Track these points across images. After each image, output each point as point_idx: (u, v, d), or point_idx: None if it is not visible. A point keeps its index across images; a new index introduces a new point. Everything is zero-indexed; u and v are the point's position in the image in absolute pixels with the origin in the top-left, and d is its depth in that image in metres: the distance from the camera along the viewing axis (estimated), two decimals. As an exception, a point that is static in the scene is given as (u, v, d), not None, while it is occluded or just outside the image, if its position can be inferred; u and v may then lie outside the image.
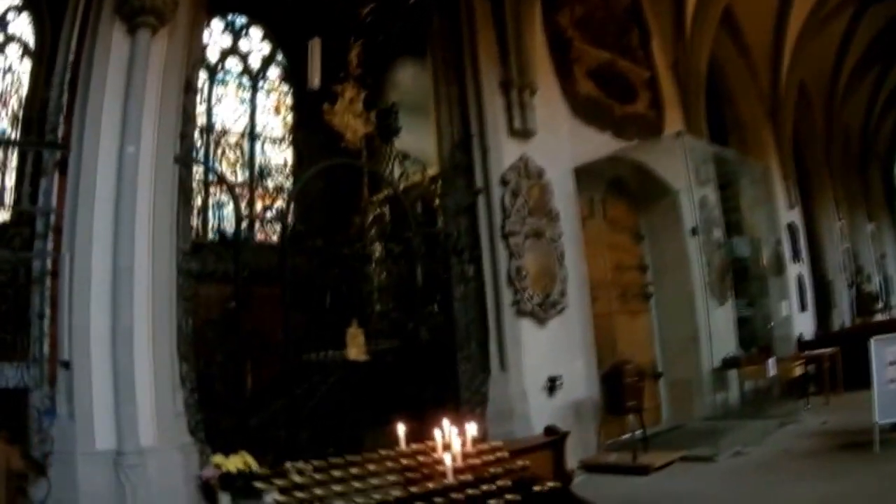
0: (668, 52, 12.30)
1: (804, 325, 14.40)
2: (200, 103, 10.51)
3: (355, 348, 7.76)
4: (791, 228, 15.01)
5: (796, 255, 14.88)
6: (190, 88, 7.12)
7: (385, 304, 9.11)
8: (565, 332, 9.31)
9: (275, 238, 11.17)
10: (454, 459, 6.11)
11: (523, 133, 9.36)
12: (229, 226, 9.76)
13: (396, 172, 8.85)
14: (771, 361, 10.58)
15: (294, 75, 11.95)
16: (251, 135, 11.37)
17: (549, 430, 6.78)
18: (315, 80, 8.45)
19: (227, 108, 11.57)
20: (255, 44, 12.19)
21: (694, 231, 10.65)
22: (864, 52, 16.37)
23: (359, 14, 10.07)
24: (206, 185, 10.53)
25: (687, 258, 11.16)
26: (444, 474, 6.01)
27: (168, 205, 6.49)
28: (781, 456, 8.36)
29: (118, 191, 6.06)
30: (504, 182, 9.03)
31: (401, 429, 6.62)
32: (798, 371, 11.01)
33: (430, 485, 5.95)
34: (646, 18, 12.24)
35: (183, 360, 6.50)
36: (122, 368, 5.83)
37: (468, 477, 6.16)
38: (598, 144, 10.34)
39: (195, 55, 7.43)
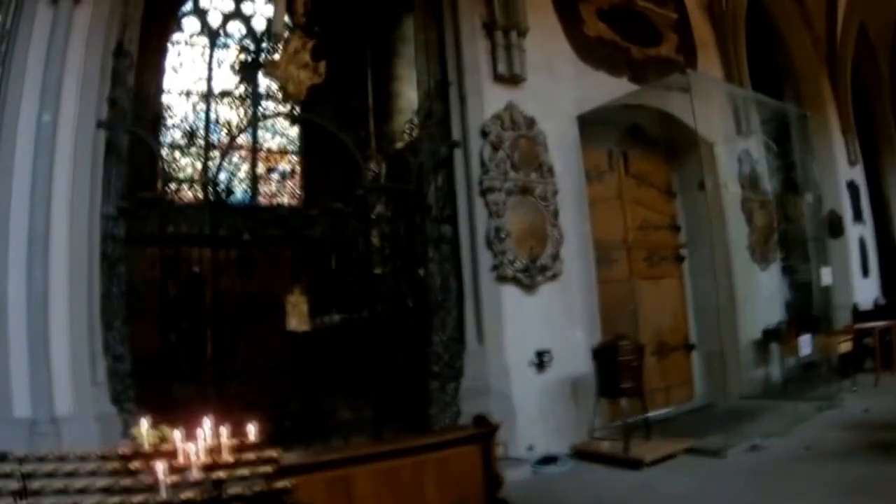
0: None
1: (867, 292, 12.96)
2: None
3: (296, 318, 7.29)
4: (852, 187, 13.52)
5: (858, 216, 13.41)
6: (121, 53, 7.07)
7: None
8: (560, 301, 8.50)
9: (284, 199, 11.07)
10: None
11: (510, 79, 8.59)
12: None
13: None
14: (804, 339, 9.34)
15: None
16: (254, 95, 10.94)
17: (479, 420, 5.89)
18: (279, 26, 8.00)
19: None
20: (260, 7, 11.72)
21: (701, 185, 9.60)
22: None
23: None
24: (207, 146, 10.27)
25: (724, 217, 10.18)
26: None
27: (87, 170, 6.53)
28: (801, 455, 7.14)
29: (34, 158, 6.19)
30: (484, 133, 8.26)
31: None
32: (845, 347, 9.65)
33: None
34: None
35: (106, 328, 6.51)
36: (35, 335, 5.92)
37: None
38: (612, 90, 9.36)
39: (131, 20, 7.35)
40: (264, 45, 11.46)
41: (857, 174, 13.86)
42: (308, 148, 11.53)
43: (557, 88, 9.02)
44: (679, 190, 10.60)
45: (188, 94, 11.25)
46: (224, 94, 10.68)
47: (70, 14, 6.53)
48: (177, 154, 9.38)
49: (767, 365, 9.90)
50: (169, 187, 7.42)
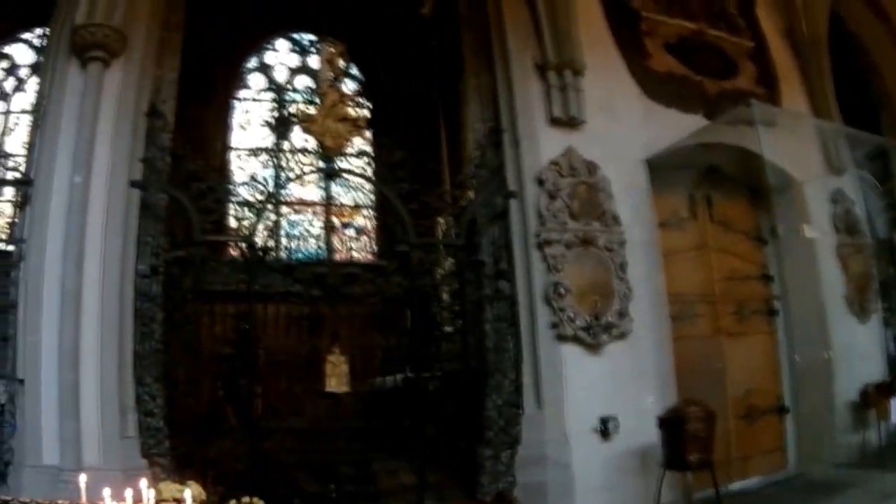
0: (780, 16, 10.46)
1: None
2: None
3: (335, 379, 7.06)
4: None
5: None
6: (154, 114, 7.36)
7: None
8: (628, 362, 7.89)
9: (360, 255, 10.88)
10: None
11: (567, 122, 8.16)
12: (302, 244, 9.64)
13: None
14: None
15: (370, 88, 11.49)
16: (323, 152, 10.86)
17: (501, 498, 5.25)
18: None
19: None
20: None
21: (773, 232, 9.20)
22: None
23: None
24: (277, 203, 10.24)
25: (816, 264, 9.37)
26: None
27: (119, 229, 6.78)
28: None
29: (68, 218, 6.49)
30: (540, 181, 7.82)
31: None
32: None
33: None
34: None
35: (139, 383, 6.75)
36: (66, 387, 6.18)
37: None
38: (685, 129, 8.72)
39: (165, 81, 7.68)
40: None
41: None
42: (382, 203, 11.27)
43: (622, 130, 8.49)
44: (769, 236, 9.76)
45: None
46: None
47: (100, 78, 6.88)
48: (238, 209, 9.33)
49: (866, 429, 8.92)
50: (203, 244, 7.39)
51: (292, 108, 10.87)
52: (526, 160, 7.99)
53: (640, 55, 8.97)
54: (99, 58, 6.86)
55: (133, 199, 7.00)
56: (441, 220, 8.89)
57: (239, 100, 11.33)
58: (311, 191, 10.89)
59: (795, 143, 9.26)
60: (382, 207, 11.41)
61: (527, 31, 8.34)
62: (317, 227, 10.91)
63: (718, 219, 9.37)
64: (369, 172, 11.56)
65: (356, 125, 7.48)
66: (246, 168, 10.62)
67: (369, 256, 11.32)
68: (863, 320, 9.61)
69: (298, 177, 7.79)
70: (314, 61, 12.03)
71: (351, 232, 11.19)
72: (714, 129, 8.73)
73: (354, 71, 12.21)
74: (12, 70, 11.18)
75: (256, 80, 11.63)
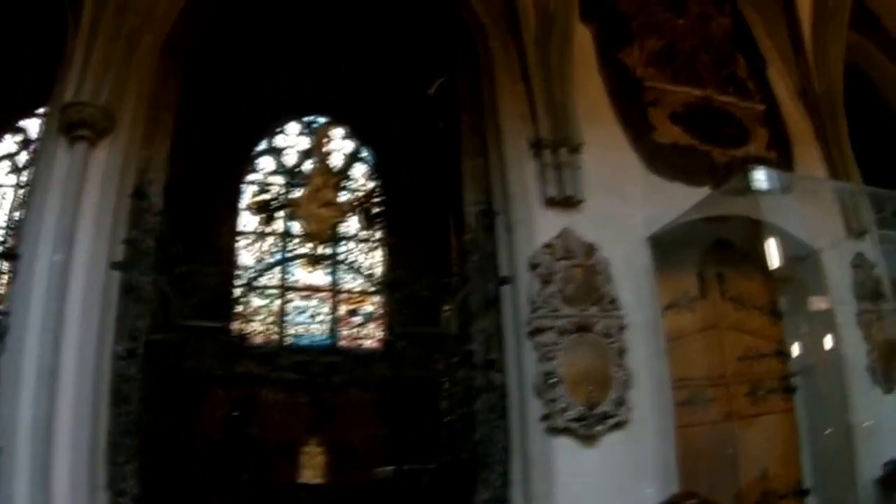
0: (792, 76, 10.20)
1: None
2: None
3: (311, 470, 7.02)
4: None
5: None
6: (140, 195, 7.52)
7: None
8: (627, 453, 7.65)
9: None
10: None
11: (563, 202, 8.02)
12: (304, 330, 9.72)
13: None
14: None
15: (381, 169, 11.54)
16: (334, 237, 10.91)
17: None
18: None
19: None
20: (337, 143, 11.79)
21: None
22: None
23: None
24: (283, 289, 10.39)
25: (836, 335, 8.98)
26: None
27: (97, 310, 6.90)
28: None
29: (47, 295, 6.60)
30: (532, 266, 7.68)
31: None
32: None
33: None
34: (757, 42, 10.35)
35: (112, 464, 6.79)
36: (39, 462, 6.24)
37: None
38: (692, 203, 8.45)
39: (153, 162, 7.89)
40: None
41: None
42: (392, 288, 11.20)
43: (623, 208, 8.34)
44: (786, 309, 9.41)
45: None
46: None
47: (86, 157, 7.09)
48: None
49: (893, 508, 8.52)
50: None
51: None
52: (519, 244, 7.87)
53: (643, 127, 8.81)
54: (85, 136, 7.06)
55: (114, 279, 7.15)
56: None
57: (247, 183, 11.32)
58: (316, 276, 10.87)
59: (811, 209, 8.95)
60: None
61: (522, 109, 8.28)
62: (321, 312, 10.90)
63: (731, 295, 9.09)
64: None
65: (341, 210, 7.41)
66: (252, 252, 10.63)
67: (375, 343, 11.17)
68: (889, 390, 9.17)
69: (279, 263, 7.74)
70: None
71: (358, 318, 11.05)
72: (718, 201, 8.47)
73: (366, 152, 12.20)
74: (26, 144, 11.45)
75: (266, 163, 11.65)
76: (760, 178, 8.08)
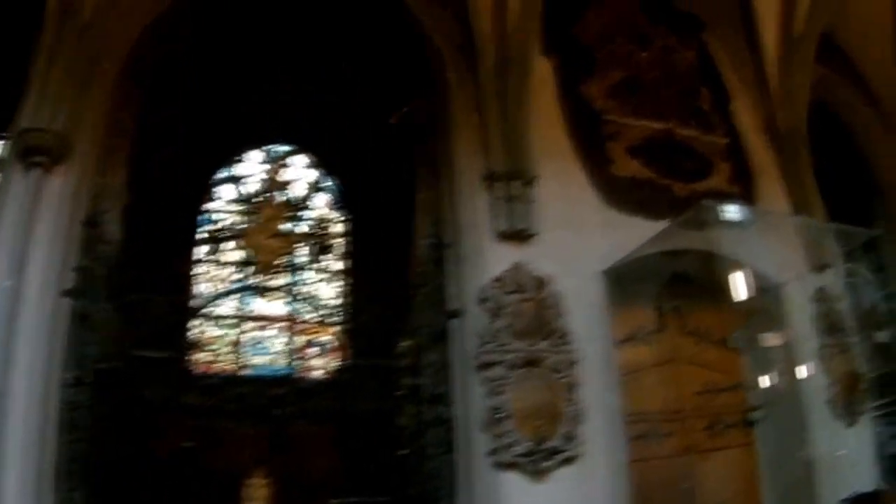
0: (757, 110, 10.26)
1: None
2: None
3: (263, 501, 6.99)
4: None
5: None
6: (93, 223, 7.53)
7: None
8: (578, 489, 7.60)
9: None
10: None
11: (514, 235, 7.99)
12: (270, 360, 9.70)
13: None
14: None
15: (344, 199, 11.56)
16: (293, 266, 10.90)
17: None
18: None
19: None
20: (300, 171, 11.86)
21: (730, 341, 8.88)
22: None
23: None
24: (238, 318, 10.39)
25: (797, 369, 9.00)
26: None
27: (47, 336, 6.86)
28: None
29: None
30: (482, 300, 7.61)
31: None
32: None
33: None
34: (722, 75, 10.40)
35: (56, 491, 6.71)
36: None
37: None
38: (649, 237, 8.41)
39: (106, 190, 7.93)
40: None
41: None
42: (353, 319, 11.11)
43: (578, 241, 8.33)
44: (746, 343, 9.39)
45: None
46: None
47: (40, 183, 7.10)
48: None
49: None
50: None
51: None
52: (468, 277, 7.88)
53: (601, 160, 8.83)
54: (40, 163, 7.10)
55: (65, 306, 7.11)
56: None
57: (206, 212, 11.31)
58: (274, 306, 10.86)
59: (773, 242, 8.92)
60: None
61: (476, 141, 8.31)
62: (278, 343, 10.86)
63: (689, 329, 9.07)
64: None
65: (290, 241, 7.41)
66: (210, 282, 10.61)
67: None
68: (850, 424, 9.13)
69: (229, 293, 7.74)
70: (287, 174, 12.07)
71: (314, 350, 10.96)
72: (675, 234, 8.44)
73: (328, 182, 12.23)
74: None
75: (226, 192, 11.64)
76: (717, 211, 8.08)
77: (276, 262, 7.50)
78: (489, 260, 7.92)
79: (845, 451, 8.82)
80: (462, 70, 8.67)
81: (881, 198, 11.90)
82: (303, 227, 11.11)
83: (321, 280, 11.12)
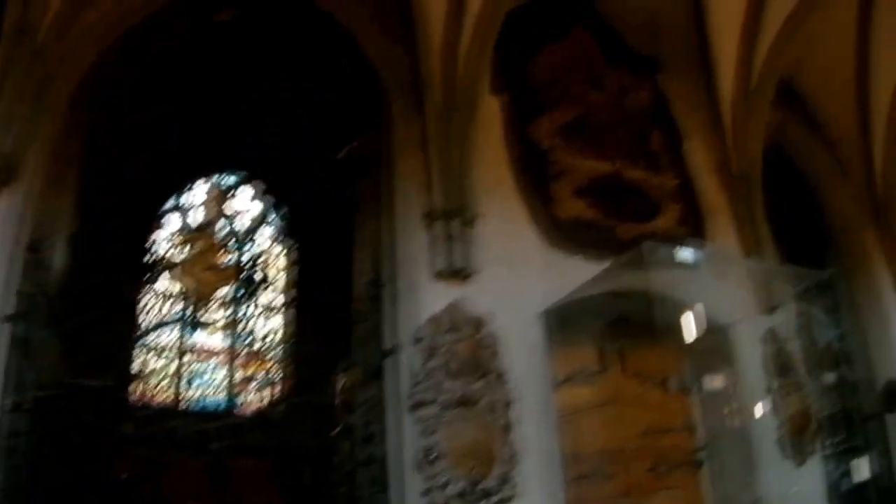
0: (710, 151, 10.37)
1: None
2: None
3: None
4: None
5: None
6: (36, 248, 7.39)
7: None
8: (516, 532, 7.47)
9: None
10: None
11: (453, 274, 7.99)
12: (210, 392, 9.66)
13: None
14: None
15: (292, 232, 11.58)
16: (236, 298, 10.88)
17: None
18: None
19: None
20: (245, 203, 12.11)
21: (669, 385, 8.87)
22: None
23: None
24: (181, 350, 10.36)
25: (745, 409, 9.09)
26: None
27: None
28: None
29: None
30: (417, 339, 7.61)
31: None
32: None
33: None
34: (676, 116, 10.50)
35: None
36: None
37: None
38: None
39: (50, 215, 7.79)
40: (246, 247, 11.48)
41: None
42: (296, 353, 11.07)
43: (518, 282, 8.34)
44: (693, 384, 9.40)
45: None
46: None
47: None
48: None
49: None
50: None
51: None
52: (404, 316, 7.87)
53: (545, 200, 8.87)
54: None
55: (5, 332, 6.94)
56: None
57: (153, 242, 11.32)
58: (216, 338, 10.84)
59: (722, 283, 8.95)
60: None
61: (419, 177, 8.33)
62: (219, 376, 10.82)
63: (633, 371, 9.04)
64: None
65: (226, 275, 7.39)
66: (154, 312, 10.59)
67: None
68: (800, 463, 9.13)
69: (162, 325, 7.71)
70: (234, 204, 12.09)
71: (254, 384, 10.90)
72: (617, 275, 8.44)
73: (274, 215, 12.29)
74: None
75: (173, 221, 11.65)
76: (659, 251, 8.12)
77: (213, 295, 7.42)
78: (426, 298, 7.90)
79: (797, 489, 8.83)
80: (410, 106, 8.69)
81: (835, 240, 12.01)
82: (244, 260, 11.21)
83: (261, 313, 11.13)
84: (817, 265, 11.45)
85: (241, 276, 8.47)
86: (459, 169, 8.28)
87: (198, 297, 7.46)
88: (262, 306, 11.28)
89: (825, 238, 12.27)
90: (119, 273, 9.72)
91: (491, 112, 9.08)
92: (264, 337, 11.02)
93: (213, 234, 7.65)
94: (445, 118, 8.44)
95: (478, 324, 7.92)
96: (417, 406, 7.51)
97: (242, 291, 10.77)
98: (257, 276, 10.86)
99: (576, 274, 8.50)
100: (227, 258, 10.31)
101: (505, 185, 8.72)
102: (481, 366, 7.81)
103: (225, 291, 9.60)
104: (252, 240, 11.84)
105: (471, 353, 7.80)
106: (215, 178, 11.92)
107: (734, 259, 9.74)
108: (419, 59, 8.77)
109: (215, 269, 7.46)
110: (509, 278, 8.27)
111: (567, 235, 8.82)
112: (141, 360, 10.14)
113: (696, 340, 8.84)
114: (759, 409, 9.19)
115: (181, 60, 9.78)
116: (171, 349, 10.23)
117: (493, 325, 7.99)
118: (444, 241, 8.01)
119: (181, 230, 11.01)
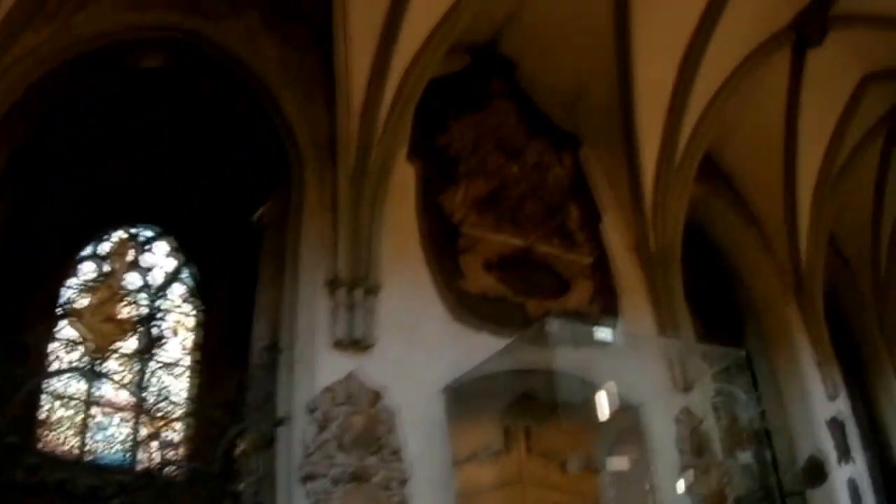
0: (628, 229, 10.57)
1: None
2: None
3: None
4: (834, 423, 11.88)
5: (845, 456, 11.65)
6: None
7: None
8: None
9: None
10: None
11: (352, 344, 7.84)
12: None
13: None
14: None
15: (204, 291, 11.40)
16: (142, 355, 10.61)
17: None
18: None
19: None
20: (161, 258, 11.98)
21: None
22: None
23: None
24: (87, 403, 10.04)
25: (658, 489, 8.99)
26: None
27: None
28: None
29: None
30: (310, 409, 7.39)
31: None
32: None
33: None
34: (595, 193, 10.68)
35: None
36: None
37: None
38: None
39: None
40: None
41: (842, 408, 12.27)
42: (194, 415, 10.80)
43: (420, 355, 8.23)
44: (603, 463, 9.29)
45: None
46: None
47: None
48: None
49: None
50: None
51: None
52: (299, 385, 7.68)
53: (453, 273, 8.85)
54: None
55: None
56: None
57: (67, 288, 11.07)
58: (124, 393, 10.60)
59: (635, 362, 8.94)
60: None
61: (326, 241, 8.20)
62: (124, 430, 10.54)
63: (539, 450, 8.92)
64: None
65: (123, 328, 7.16)
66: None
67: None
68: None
69: (58, 372, 7.45)
70: (148, 258, 11.92)
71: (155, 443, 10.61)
72: (521, 353, 8.37)
73: (186, 273, 12.15)
74: None
75: (88, 269, 11.45)
76: (562, 328, 8.06)
77: (109, 347, 7.20)
78: (322, 368, 7.73)
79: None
80: (324, 168, 8.57)
81: (755, 315, 12.15)
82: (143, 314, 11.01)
83: (165, 371, 10.88)
84: (737, 341, 11.62)
85: (142, 330, 8.20)
86: (368, 235, 8.19)
87: (95, 347, 7.19)
88: (165, 364, 11.02)
89: (745, 314, 12.40)
90: (31, 318, 9.50)
91: (405, 179, 9.05)
92: (167, 397, 10.77)
93: (117, 285, 7.39)
94: (357, 182, 8.37)
95: (375, 397, 7.78)
96: (308, 478, 7.28)
97: (143, 347, 10.53)
98: (160, 333, 10.58)
99: (482, 350, 8.41)
100: (129, 311, 10.14)
101: (413, 256, 8.65)
102: (376, 440, 7.64)
103: (124, 345, 9.34)
104: (164, 296, 11.63)
105: (366, 426, 7.64)
106: (133, 229, 11.78)
107: (646, 337, 9.75)
108: (337, 120, 8.63)
109: (114, 321, 7.20)
110: (411, 351, 8.15)
111: (474, 310, 8.75)
112: (48, 407, 9.84)
113: (609, 419, 8.79)
114: (672, 489, 9.10)
115: (107, 103, 9.62)
116: (78, 399, 9.93)
117: (391, 399, 7.83)
118: (345, 309, 7.89)
119: (96, 279, 10.80)
